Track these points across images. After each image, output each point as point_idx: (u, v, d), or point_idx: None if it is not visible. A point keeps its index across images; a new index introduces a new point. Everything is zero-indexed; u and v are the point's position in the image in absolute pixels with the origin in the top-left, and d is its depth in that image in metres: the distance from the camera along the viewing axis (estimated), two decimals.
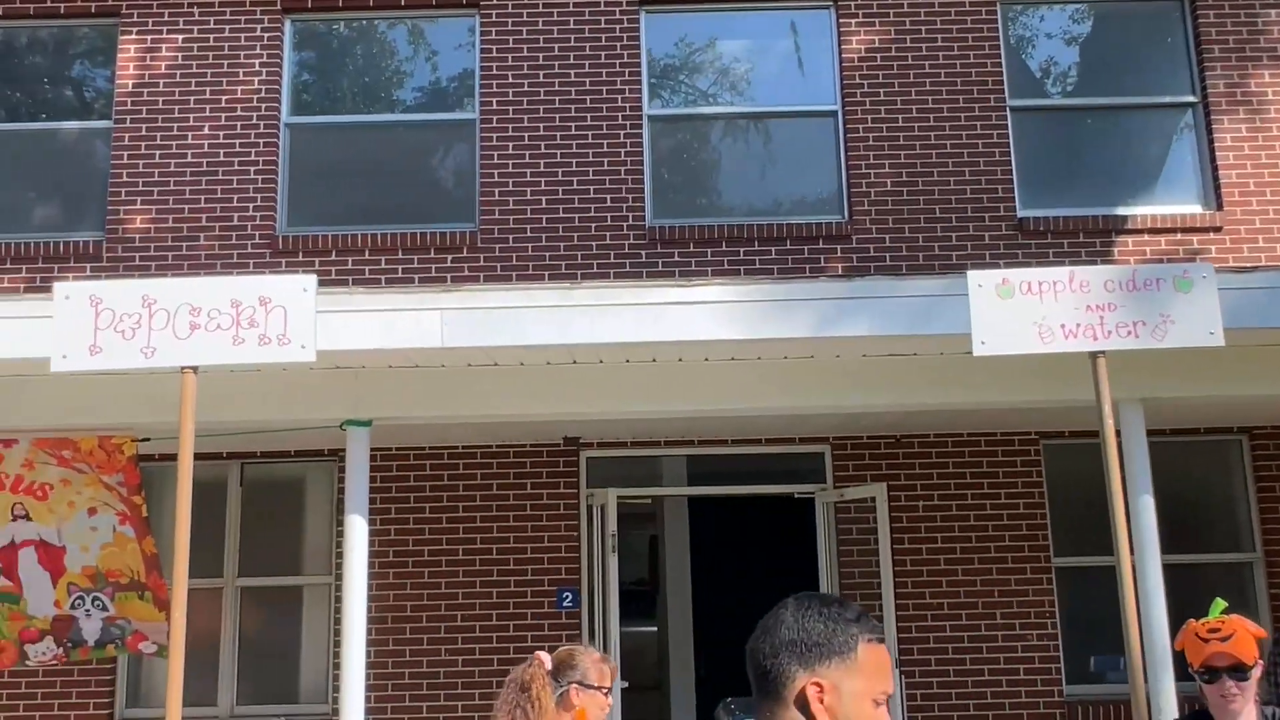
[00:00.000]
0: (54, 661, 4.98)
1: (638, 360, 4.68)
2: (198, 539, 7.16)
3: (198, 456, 7.01)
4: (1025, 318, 3.23)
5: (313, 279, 3.02)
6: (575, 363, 4.69)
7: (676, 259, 7.41)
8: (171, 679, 2.70)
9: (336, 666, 6.95)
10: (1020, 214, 7.46)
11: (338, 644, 6.96)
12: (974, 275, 3.30)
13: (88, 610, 4.88)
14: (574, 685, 3.13)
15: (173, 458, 6.85)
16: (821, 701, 1.47)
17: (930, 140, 7.53)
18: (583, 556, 7.05)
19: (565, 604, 6.94)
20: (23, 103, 8.05)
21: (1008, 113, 7.64)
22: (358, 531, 4.50)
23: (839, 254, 7.39)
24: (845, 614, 1.53)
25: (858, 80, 7.65)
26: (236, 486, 7.29)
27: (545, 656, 3.21)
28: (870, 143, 7.55)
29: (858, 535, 6.99)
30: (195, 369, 2.94)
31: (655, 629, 10.42)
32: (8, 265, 7.54)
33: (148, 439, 4.80)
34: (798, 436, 7.16)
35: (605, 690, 3.15)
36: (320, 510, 7.32)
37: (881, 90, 7.62)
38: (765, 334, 4.14)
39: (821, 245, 7.40)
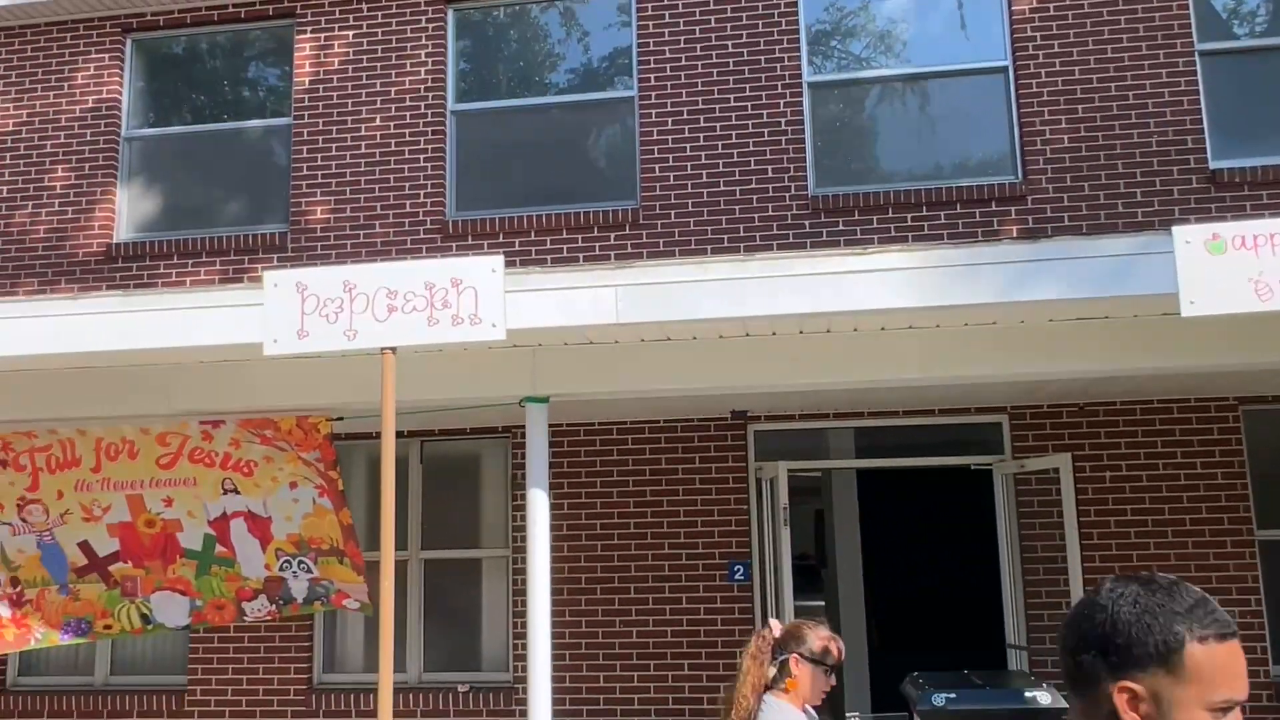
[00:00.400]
0: (268, 616, 5.31)
1: (811, 331, 4.62)
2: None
3: (379, 435, 7.34)
4: (1239, 274, 3.03)
5: (500, 260, 3.09)
6: (748, 335, 4.66)
7: (841, 228, 7.27)
8: (384, 647, 2.83)
9: (516, 637, 7.17)
10: (1213, 166, 7.00)
11: (517, 615, 7.18)
12: (1180, 231, 3.11)
13: (294, 572, 5.19)
14: (794, 656, 3.16)
15: (357, 437, 7.19)
16: (1136, 711, 1.24)
17: (1111, 92, 7.13)
18: (752, 529, 7.04)
19: (737, 577, 6.95)
20: (207, 105, 8.53)
21: (1196, 58, 7.16)
22: (539, 506, 4.60)
23: (1013, 216, 7.10)
24: (1171, 604, 1.26)
25: (1029, 33, 7.31)
26: (417, 463, 7.59)
27: (775, 624, 3.25)
28: (1045, 98, 7.20)
29: (1040, 508, 6.74)
30: (394, 349, 3.06)
31: (823, 603, 10.33)
32: (203, 258, 8.03)
33: (341, 418, 5.03)
34: (973, 407, 6.95)
35: (828, 668, 3.14)
36: (496, 485, 7.54)
37: (1056, 42, 7.25)
38: (948, 300, 4.01)
39: (994, 208, 7.13)
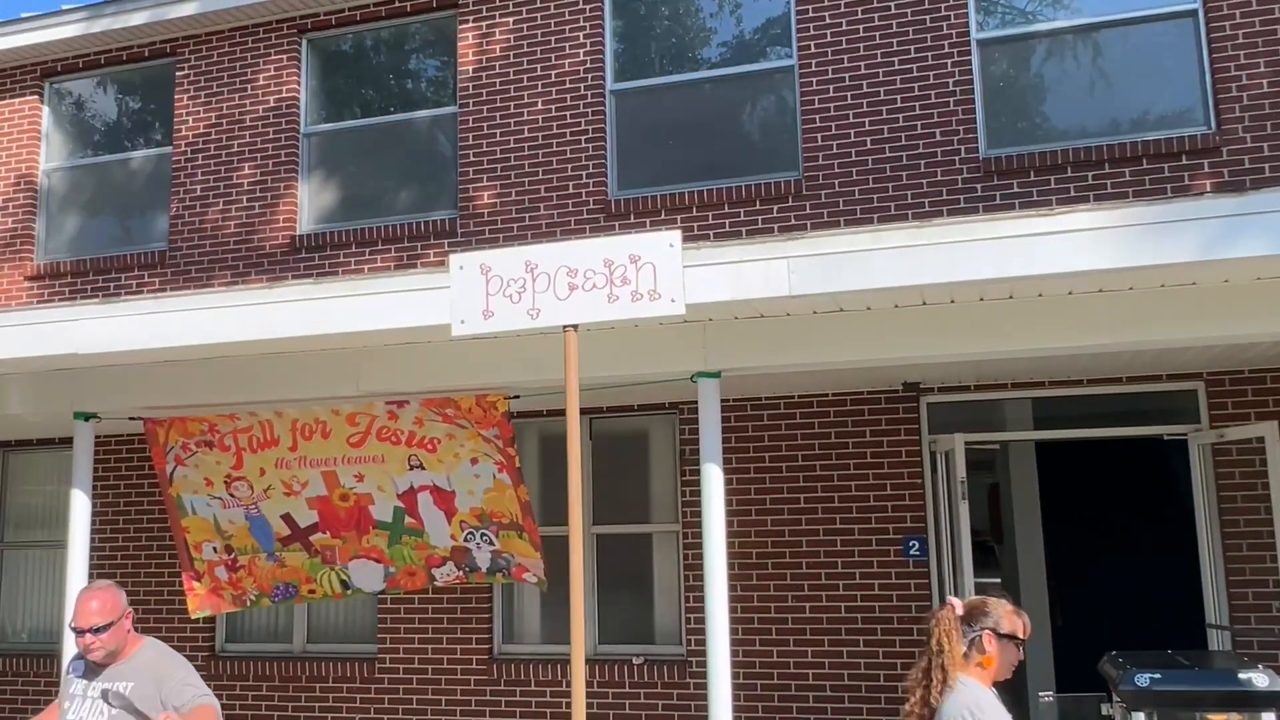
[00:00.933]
0: (456, 581, 5.54)
1: (992, 298, 4.45)
2: (554, 489, 7.70)
3: (550, 413, 7.49)
4: None
5: (677, 235, 3.10)
6: (925, 304, 4.53)
7: (1016, 189, 6.98)
8: (574, 621, 2.89)
9: (689, 610, 7.23)
10: None
11: (689, 589, 7.24)
12: None
13: (477, 544, 5.38)
14: (987, 631, 3.10)
15: (528, 415, 7.35)
16: None
17: None
18: (927, 504, 6.87)
19: (912, 552, 6.80)
20: (377, 99, 8.86)
21: None
22: (714, 481, 4.61)
23: (1205, 170, 6.65)
24: None
25: None
26: (586, 439, 7.72)
27: (956, 601, 3.20)
28: (1240, 41, 6.71)
29: (1241, 480, 6.33)
30: (575, 327, 3.10)
31: (998, 580, 10.01)
32: (378, 246, 8.36)
33: (518, 396, 5.16)
34: (1165, 373, 6.57)
35: (1018, 642, 3.07)
36: (664, 461, 7.60)
37: None
38: (1143, 261, 3.79)
39: (1184, 161, 6.70)
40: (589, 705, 7.33)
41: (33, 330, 5.00)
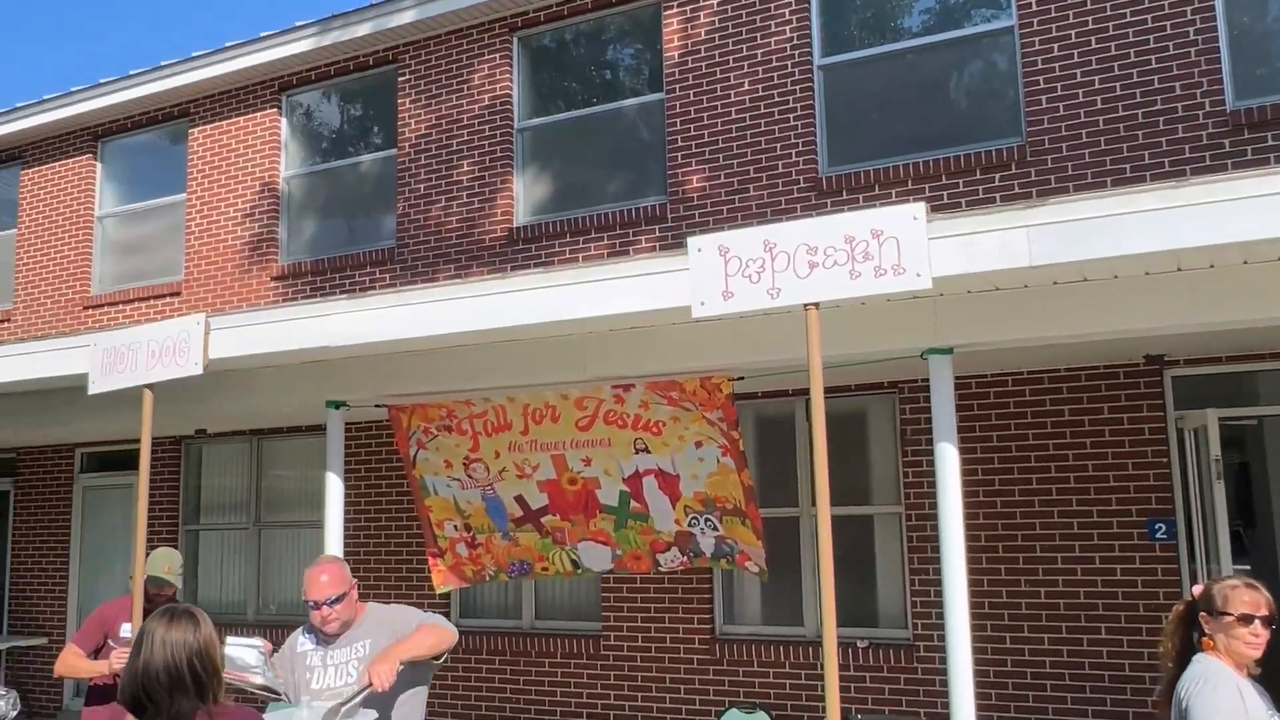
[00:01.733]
0: (679, 568, 5.61)
1: (1258, 260, 4.11)
2: (773, 471, 7.68)
3: (765, 395, 7.46)
4: None
5: (921, 207, 3.01)
6: (1179, 270, 4.23)
7: (1270, 143, 6.42)
8: (825, 604, 2.86)
9: (914, 594, 7.06)
10: None
11: (913, 572, 7.07)
12: None
13: (701, 529, 5.42)
14: (1202, 614, 3.15)
15: (743, 397, 7.34)
16: None
17: None
18: (1175, 484, 6.43)
19: (1158, 536, 6.39)
20: (584, 91, 9.04)
21: None
22: (949, 462, 4.46)
23: None
24: None
25: None
26: (804, 421, 7.66)
27: (1197, 589, 3.15)
28: None
29: None
30: (817, 305, 3.07)
31: (1248, 567, 9.28)
32: (591, 234, 8.55)
33: (741, 378, 5.16)
34: None
35: (1253, 620, 3.01)
36: (884, 442, 7.45)
37: None
38: None
39: None
40: (813, 688, 7.29)
41: (288, 325, 5.39)
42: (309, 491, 9.66)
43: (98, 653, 5.19)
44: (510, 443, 5.65)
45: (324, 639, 4.08)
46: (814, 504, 7.53)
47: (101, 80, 10.90)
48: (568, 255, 8.61)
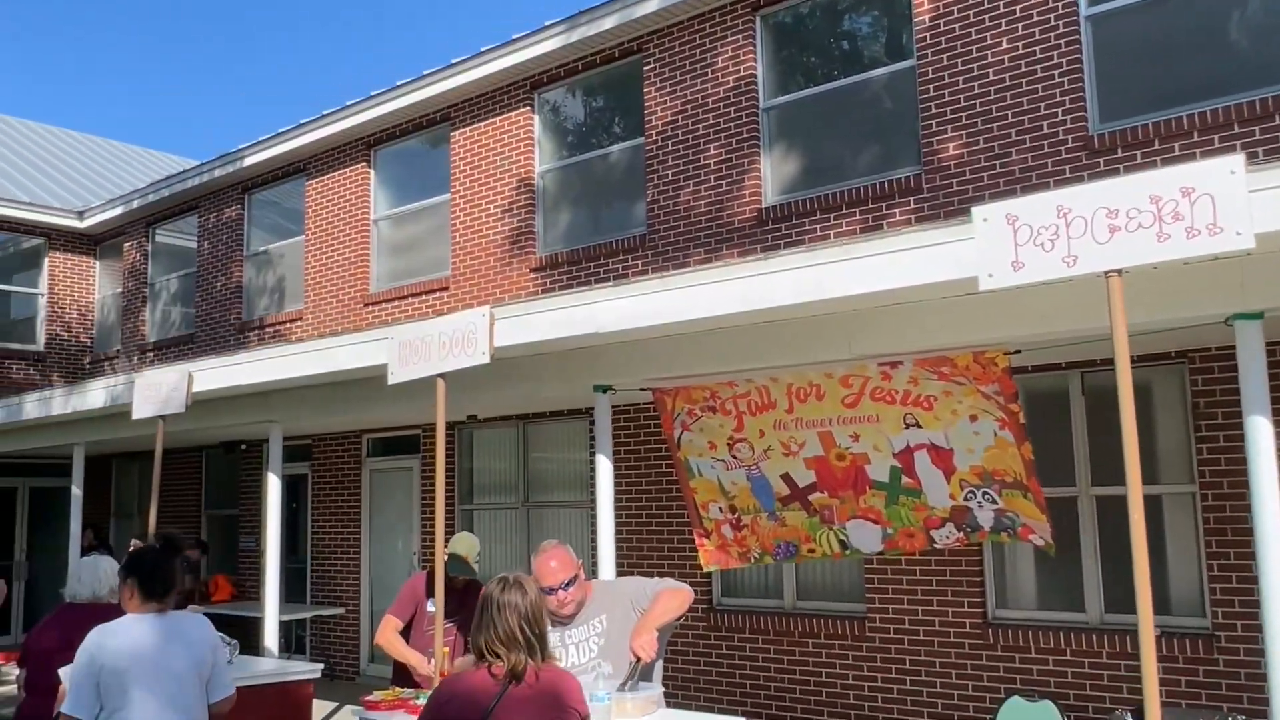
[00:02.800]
0: (956, 543, 5.44)
1: None
2: (1046, 449, 7.28)
3: (1036, 369, 7.08)
4: None
5: (1239, 159, 2.74)
6: None
7: None
8: (1140, 590, 2.68)
9: (1212, 580, 6.53)
10: None
11: (1211, 557, 6.53)
12: None
13: (979, 502, 5.23)
14: None
15: (1020, 370, 6.99)
16: None
17: None
18: None
19: None
20: (827, 65, 8.87)
21: None
22: (1262, 436, 4.08)
23: None
24: None
25: None
26: (1079, 395, 7.23)
27: None
28: None
29: None
30: (1119, 272, 2.87)
31: None
32: (842, 210, 8.40)
33: (1018, 351, 4.93)
34: None
35: None
36: (1172, 416, 6.91)
37: None
38: None
39: None
40: (1097, 677, 6.89)
41: (558, 315, 5.61)
42: (572, 473, 10.06)
43: (411, 621, 5.61)
44: (775, 421, 5.65)
45: (559, 621, 4.17)
46: (1093, 483, 7.11)
47: (373, 92, 11.73)
48: (819, 233, 8.50)
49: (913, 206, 8.03)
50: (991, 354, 4.87)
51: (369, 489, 11.87)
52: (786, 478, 5.77)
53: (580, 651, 4.14)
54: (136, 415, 6.68)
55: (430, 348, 4.57)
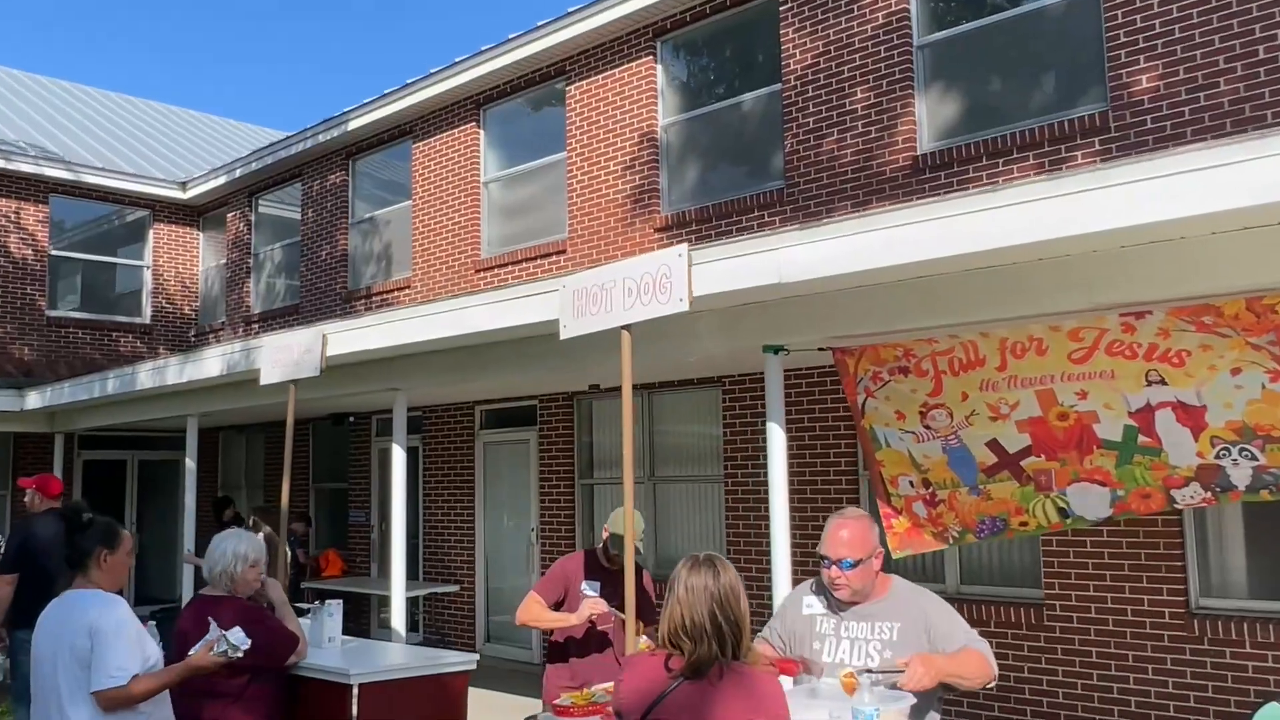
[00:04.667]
0: (1203, 503, 4.73)
1: None
2: None
3: None
4: None
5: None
6: None
7: None
8: None
9: None
10: None
11: None
12: None
13: (1234, 460, 4.50)
14: None
15: None
16: None
17: None
18: None
19: None
20: None
21: None
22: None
23: None
24: None
25: None
26: None
27: None
28: None
29: None
30: None
31: None
32: (1013, 155, 7.58)
33: None
34: None
35: None
36: None
37: None
38: None
39: None
40: None
41: (734, 263, 4.95)
42: (700, 446, 9.44)
43: (559, 606, 5.07)
44: (983, 380, 4.94)
45: (835, 604, 3.60)
46: None
47: (482, 48, 11.18)
48: (984, 181, 7.69)
49: (1098, 148, 7.19)
50: (1270, 300, 4.09)
51: (483, 462, 11.40)
52: (994, 445, 5.06)
53: (855, 652, 3.50)
54: (265, 380, 6.23)
55: (612, 296, 3.95)
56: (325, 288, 13.54)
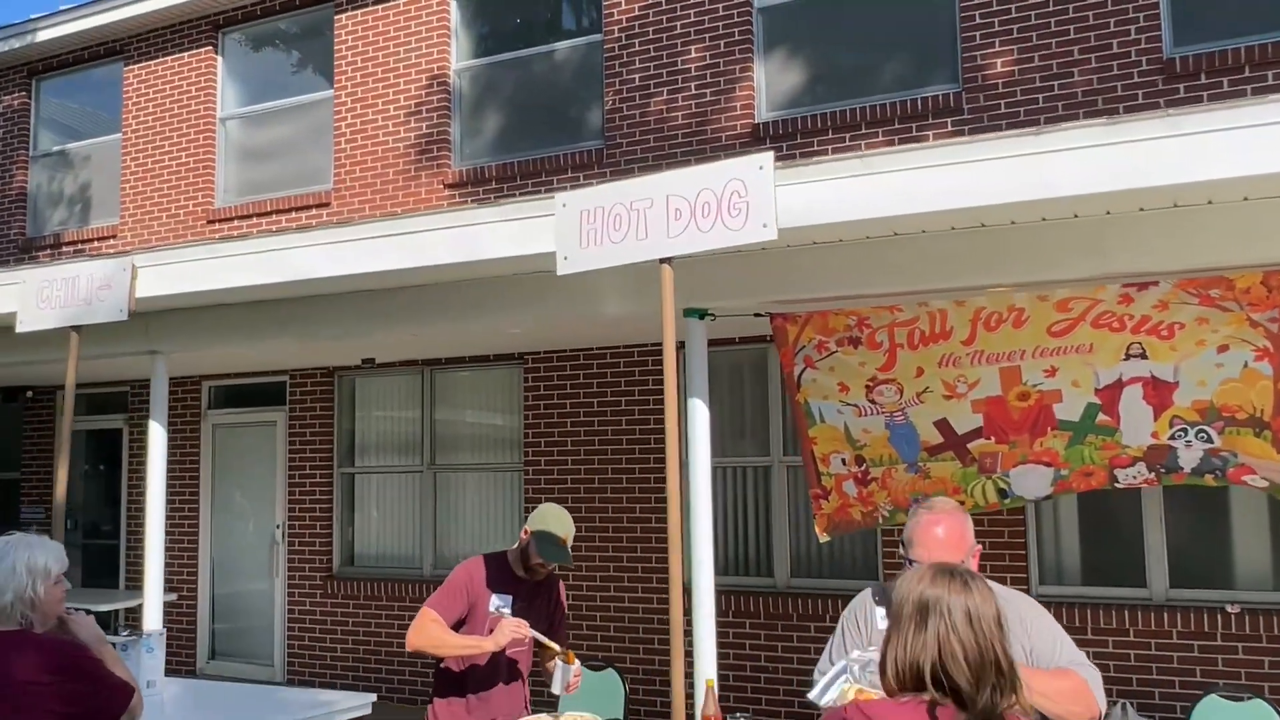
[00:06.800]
0: (1143, 484, 4.54)
1: None
2: None
3: None
4: None
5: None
6: None
7: None
8: None
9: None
10: None
11: None
12: None
13: (1189, 441, 4.34)
14: None
15: None
16: None
17: None
18: None
19: None
20: None
21: None
22: None
23: None
24: None
25: None
26: None
27: None
28: None
29: None
30: None
31: None
32: (861, 130, 7.30)
33: None
34: None
35: None
36: None
37: None
38: None
39: None
40: (1166, 659, 6.21)
41: None
42: (494, 431, 8.46)
43: (459, 625, 4.01)
44: (944, 355, 4.48)
45: None
46: None
47: None
48: (830, 154, 7.34)
49: (950, 129, 7.04)
50: None
51: (211, 448, 9.67)
52: (942, 424, 4.63)
53: None
54: (30, 326, 4.55)
55: (647, 218, 3.01)
56: None
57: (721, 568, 7.30)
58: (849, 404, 4.70)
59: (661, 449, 7.57)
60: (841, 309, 4.54)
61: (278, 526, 9.16)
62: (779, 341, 4.72)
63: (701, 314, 4.70)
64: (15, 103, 11.05)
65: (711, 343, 4.86)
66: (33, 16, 10.52)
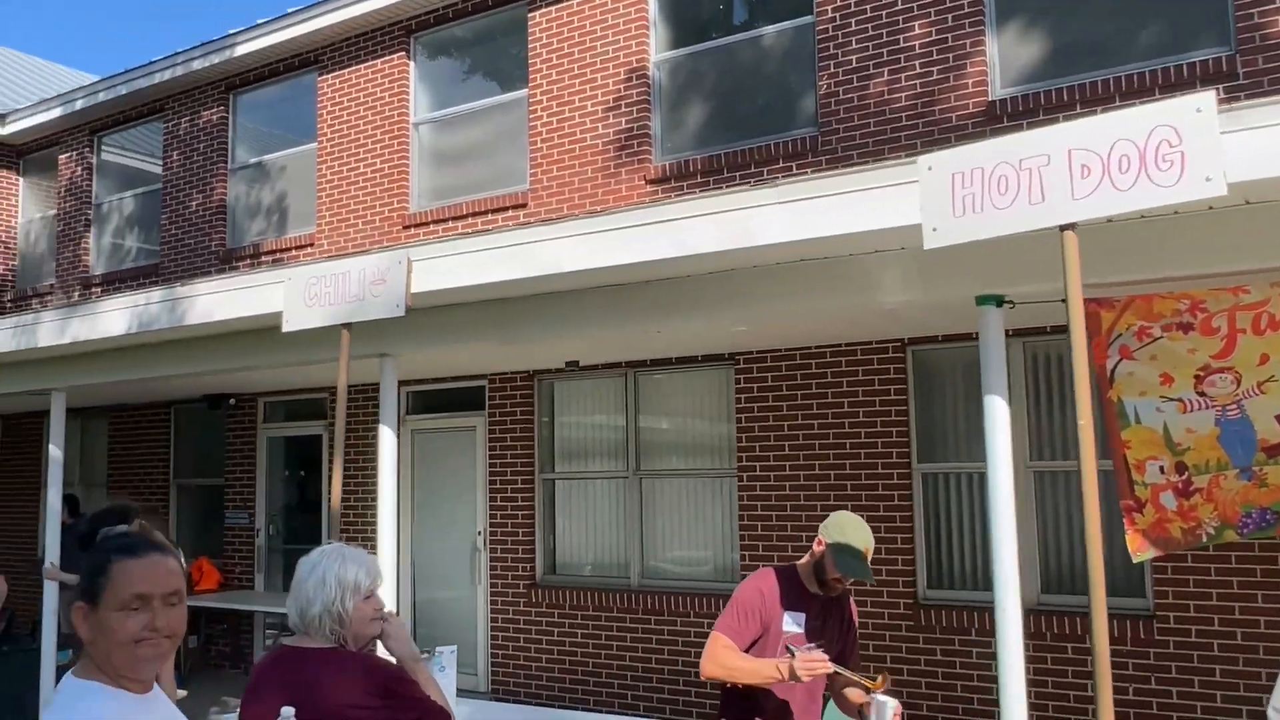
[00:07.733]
0: None
1: None
2: None
3: None
4: None
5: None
6: None
7: None
8: None
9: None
10: None
11: None
12: None
13: None
14: None
15: None
16: None
17: None
18: None
19: None
20: None
21: None
22: None
23: None
24: None
25: None
26: None
27: None
28: None
29: None
30: None
31: None
32: (1114, 104, 6.65)
33: None
34: None
35: None
36: None
37: None
38: None
39: None
40: None
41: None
42: (702, 434, 8.10)
43: (753, 647, 3.64)
44: None
45: None
46: None
47: None
48: None
49: (1223, 96, 6.33)
50: None
51: (411, 452, 9.62)
52: None
53: None
54: (296, 325, 4.42)
55: (1090, 170, 2.56)
56: (195, 245, 11.31)
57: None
58: (1172, 398, 4.13)
59: (889, 454, 7.09)
60: (1170, 293, 3.98)
61: (479, 533, 9.03)
62: (1091, 331, 4.18)
63: (999, 301, 4.22)
64: (214, 118, 11.32)
65: (1017, 332, 4.36)
66: (230, 32, 10.74)
